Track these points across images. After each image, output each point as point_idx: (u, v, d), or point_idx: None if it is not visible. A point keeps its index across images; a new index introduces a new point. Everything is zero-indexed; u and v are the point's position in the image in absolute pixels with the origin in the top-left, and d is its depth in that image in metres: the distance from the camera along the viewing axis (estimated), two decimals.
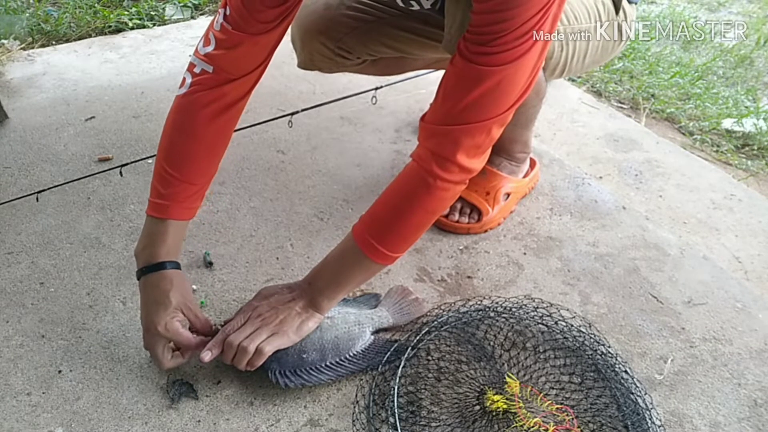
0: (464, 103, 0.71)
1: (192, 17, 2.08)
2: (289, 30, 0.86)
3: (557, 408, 0.81)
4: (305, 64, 1.14)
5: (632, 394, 0.85)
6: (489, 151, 0.78)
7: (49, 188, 1.19)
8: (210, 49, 0.81)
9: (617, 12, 1.00)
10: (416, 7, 0.96)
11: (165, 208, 0.85)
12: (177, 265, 0.87)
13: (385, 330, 0.93)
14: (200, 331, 0.86)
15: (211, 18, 2.02)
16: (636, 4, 1.04)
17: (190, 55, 0.86)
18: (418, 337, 0.91)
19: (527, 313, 0.96)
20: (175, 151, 0.86)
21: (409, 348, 0.89)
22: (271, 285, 0.90)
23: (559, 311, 0.97)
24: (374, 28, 1.05)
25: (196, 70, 0.83)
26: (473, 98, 0.71)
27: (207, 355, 0.81)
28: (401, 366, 0.86)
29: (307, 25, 1.06)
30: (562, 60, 0.97)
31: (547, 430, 0.78)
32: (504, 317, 0.96)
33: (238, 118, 0.89)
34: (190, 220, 0.89)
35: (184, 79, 0.85)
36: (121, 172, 1.20)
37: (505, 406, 0.80)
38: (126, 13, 2.00)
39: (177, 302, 0.83)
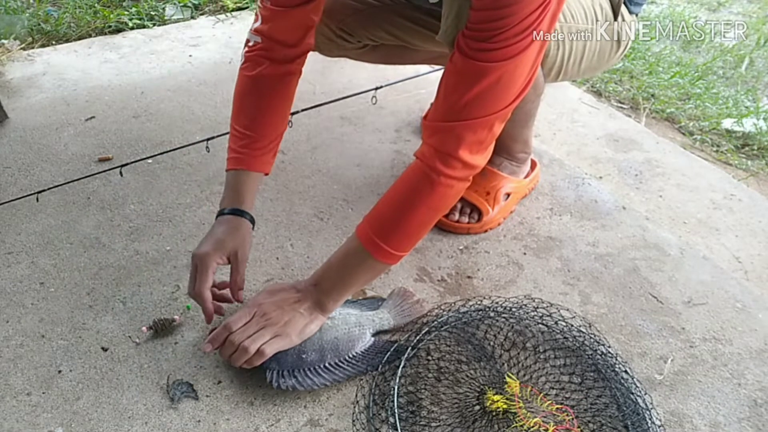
0: (465, 100, 0.72)
1: (192, 17, 2.07)
2: None
3: (557, 408, 0.81)
4: None
5: (632, 394, 0.85)
6: (492, 147, 0.79)
7: (49, 188, 1.19)
8: (258, 24, 0.91)
9: (615, 18, 1.00)
10: None
11: (241, 160, 0.93)
12: (253, 219, 0.93)
13: (386, 332, 0.93)
14: (231, 289, 0.90)
15: (211, 18, 2.04)
16: (637, 15, 1.04)
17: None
18: (418, 337, 0.91)
19: (527, 313, 0.96)
20: (243, 113, 0.94)
21: (409, 348, 0.89)
22: (277, 283, 0.90)
23: (559, 311, 0.97)
24: (377, 14, 1.07)
25: (250, 43, 0.93)
26: (474, 94, 0.71)
27: (208, 347, 0.83)
28: (401, 366, 0.86)
29: None
30: (558, 60, 0.97)
31: (547, 430, 0.78)
32: (504, 317, 0.96)
33: (296, 81, 0.97)
34: (266, 174, 0.96)
35: (243, 54, 0.95)
36: (121, 172, 1.20)
37: (505, 406, 0.80)
38: (126, 13, 2.00)
39: (232, 246, 0.88)
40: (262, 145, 0.93)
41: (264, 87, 0.93)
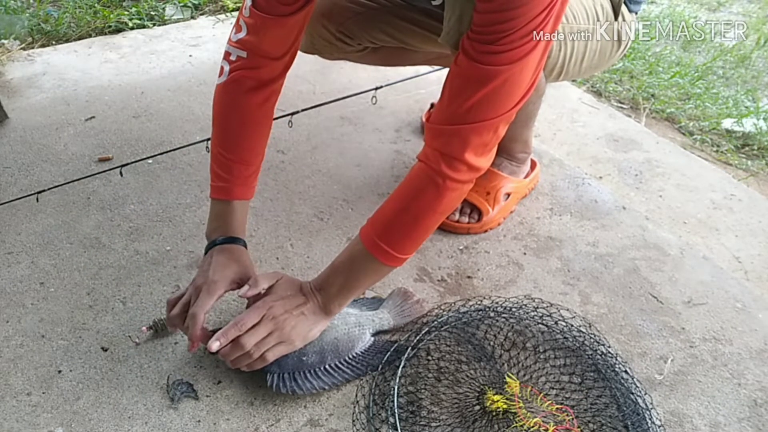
0: (471, 103, 0.72)
1: (192, 17, 2.08)
2: None
3: (557, 408, 0.81)
4: (306, 47, 1.15)
5: (632, 394, 0.85)
6: (495, 149, 0.79)
7: (49, 188, 1.19)
8: (242, 35, 0.86)
9: (616, 17, 1.00)
10: None
11: (229, 190, 0.91)
12: (245, 245, 0.92)
13: (386, 332, 0.93)
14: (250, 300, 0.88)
15: (211, 18, 2.04)
16: (637, 14, 1.04)
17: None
18: (418, 337, 0.91)
19: (527, 313, 0.96)
20: (227, 135, 0.92)
21: (409, 348, 0.89)
22: (284, 278, 0.88)
23: (559, 311, 0.97)
24: (377, 16, 1.06)
25: (232, 57, 0.88)
26: (480, 97, 0.71)
27: (215, 345, 0.79)
28: (401, 366, 0.87)
29: None
30: (560, 60, 0.97)
31: (547, 430, 0.78)
32: (504, 317, 0.96)
33: (277, 98, 0.94)
34: (251, 200, 0.95)
35: (222, 68, 0.90)
36: (121, 172, 1.20)
37: (505, 406, 0.80)
38: (126, 13, 2.00)
39: (243, 273, 0.88)
40: (249, 173, 0.93)
41: (252, 112, 0.91)
